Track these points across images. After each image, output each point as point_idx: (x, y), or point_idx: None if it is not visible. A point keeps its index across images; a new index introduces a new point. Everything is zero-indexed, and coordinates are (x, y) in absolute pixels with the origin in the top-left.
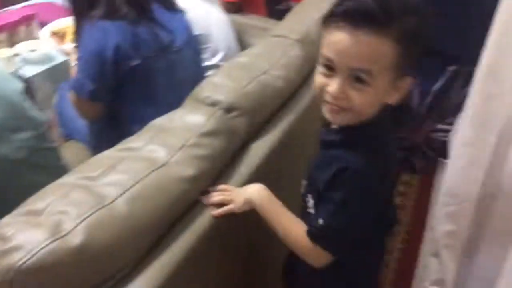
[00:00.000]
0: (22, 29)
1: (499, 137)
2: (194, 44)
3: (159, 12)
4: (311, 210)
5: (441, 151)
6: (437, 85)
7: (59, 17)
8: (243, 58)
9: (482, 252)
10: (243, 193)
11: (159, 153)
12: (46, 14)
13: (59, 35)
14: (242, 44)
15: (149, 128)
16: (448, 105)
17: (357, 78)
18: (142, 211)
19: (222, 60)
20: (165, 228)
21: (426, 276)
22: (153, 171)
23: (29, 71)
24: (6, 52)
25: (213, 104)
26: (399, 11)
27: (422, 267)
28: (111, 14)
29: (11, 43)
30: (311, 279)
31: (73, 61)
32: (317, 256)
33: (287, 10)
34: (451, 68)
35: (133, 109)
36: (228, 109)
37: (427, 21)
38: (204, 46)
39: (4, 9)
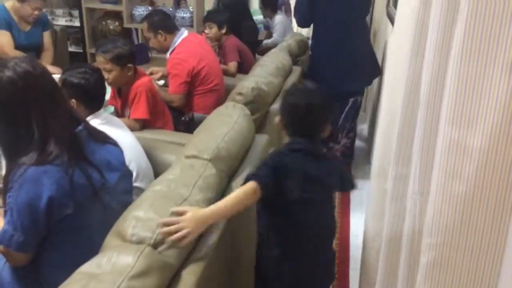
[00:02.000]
0: None
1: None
2: (127, 178)
3: (92, 147)
4: None
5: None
6: (344, 113)
7: None
8: (161, 186)
9: None
10: (193, 221)
11: None
12: None
13: None
14: (152, 160)
15: (77, 277)
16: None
17: None
18: None
19: (135, 180)
20: None
21: None
22: None
23: None
24: None
25: (140, 241)
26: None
27: None
28: (43, 160)
29: None
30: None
31: None
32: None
33: (191, 120)
34: (352, 99)
35: (59, 254)
36: (156, 245)
37: None
38: None
39: None
